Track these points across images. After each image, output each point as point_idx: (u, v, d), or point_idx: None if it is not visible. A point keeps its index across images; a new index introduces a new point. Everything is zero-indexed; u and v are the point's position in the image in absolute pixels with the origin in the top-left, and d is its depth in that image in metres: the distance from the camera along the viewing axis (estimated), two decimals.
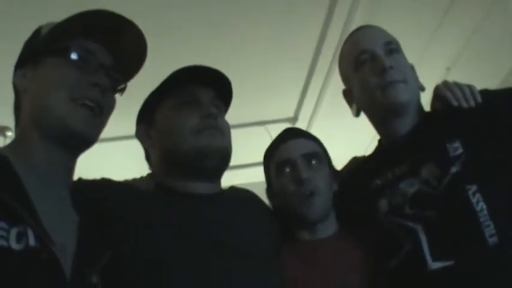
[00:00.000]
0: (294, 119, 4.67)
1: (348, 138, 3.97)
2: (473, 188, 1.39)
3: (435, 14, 3.64)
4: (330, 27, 3.63)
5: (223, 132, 1.51)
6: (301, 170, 1.59)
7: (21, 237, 0.99)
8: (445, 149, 1.48)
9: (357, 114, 1.73)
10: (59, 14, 1.27)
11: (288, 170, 1.62)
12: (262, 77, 4.05)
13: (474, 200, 1.38)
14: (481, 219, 1.36)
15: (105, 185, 1.46)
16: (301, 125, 4.46)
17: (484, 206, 1.37)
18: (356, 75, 1.66)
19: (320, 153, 1.68)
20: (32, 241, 0.99)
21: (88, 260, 1.13)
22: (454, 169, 1.44)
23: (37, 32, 1.30)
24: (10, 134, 4.03)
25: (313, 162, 1.63)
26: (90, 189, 1.37)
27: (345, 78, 1.76)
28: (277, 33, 3.67)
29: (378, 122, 1.69)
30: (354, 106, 1.72)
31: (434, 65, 3.81)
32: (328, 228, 1.61)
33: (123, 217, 1.35)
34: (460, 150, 1.46)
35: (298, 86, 4.30)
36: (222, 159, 1.51)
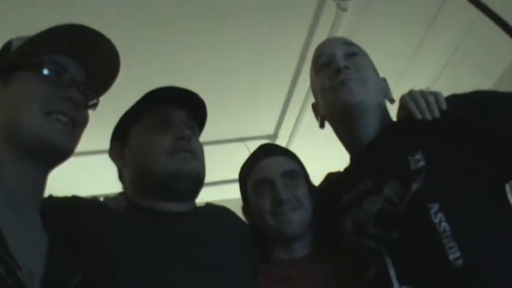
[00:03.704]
0: (274, 136, 4.67)
1: (328, 155, 3.97)
2: (435, 207, 1.33)
3: (417, 32, 3.67)
4: (311, 45, 3.63)
5: (196, 156, 1.50)
6: (280, 190, 1.57)
7: None
8: (407, 162, 1.42)
9: (321, 126, 1.70)
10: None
11: (265, 189, 1.60)
12: (242, 94, 4.05)
13: (436, 220, 1.32)
14: (444, 241, 1.29)
15: (76, 203, 1.43)
16: (281, 142, 4.45)
17: (447, 227, 1.30)
18: (317, 81, 1.65)
19: (298, 170, 1.66)
20: None
21: (56, 285, 1.10)
22: (415, 186, 1.38)
23: (7, 47, 1.27)
24: None
25: (292, 180, 1.62)
26: (60, 208, 1.33)
27: (313, 91, 1.74)
28: (258, 50, 3.68)
29: (341, 129, 1.64)
30: (319, 117, 1.70)
31: (416, 83, 3.81)
32: (305, 247, 1.59)
33: (95, 236, 1.32)
34: (422, 163, 1.40)
35: (278, 103, 4.30)
36: (194, 183, 1.49)
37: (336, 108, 1.57)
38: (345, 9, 3.32)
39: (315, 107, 1.74)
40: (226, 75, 3.84)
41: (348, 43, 1.66)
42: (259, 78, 3.93)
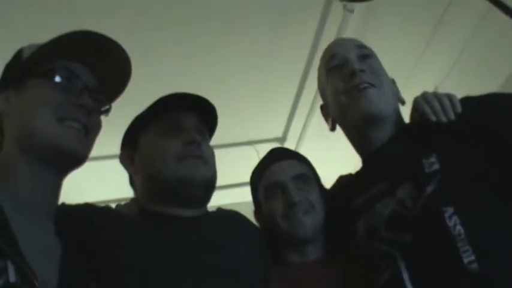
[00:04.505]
0: (283, 139, 4.66)
1: (337, 158, 3.97)
2: (450, 210, 1.32)
3: (424, 33, 3.67)
4: (319, 47, 3.63)
5: (207, 161, 1.50)
6: (292, 193, 1.57)
7: (0, 272, 0.94)
8: (421, 165, 1.41)
9: (333, 128, 1.68)
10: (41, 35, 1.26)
11: (277, 193, 1.60)
12: (250, 97, 4.05)
13: (451, 224, 1.30)
14: (459, 244, 1.28)
15: (88, 210, 1.43)
16: (289, 145, 4.45)
17: (462, 231, 1.29)
18: (328, 83, 1.62)
19: (309, 174, 1.66)
20: (12, 277, 0.94)
21: None
22: (429, 189, 1.36)
23: (18, 55, 1.28)
24: None
25: (303, 183, 1.62)
26: (74, 215, 1.34)
27: (321, 91, 1.71)
28: (266, 52, 3.68)
29: (353, 133, 1.63)
30: (330, 120, 1.68)
31: (423, 84, 3.81)
32: (317, 250, 1.59)
33: (107, 243, 1.32)
34: (436, 166, 1.38)
35: (286, 106, 4.30)
36: (206, 188, 1.50)
37: (351, 113, 1.55)
38: (351, 11, 3.32)
39: (324, 109, 1.72)
40: (233, 78, 3.84)
41: (359, 46, 1.64)
42: (266, 81, 3.93)
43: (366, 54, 1.61)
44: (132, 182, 1.59)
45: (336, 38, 1.69)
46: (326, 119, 1.71)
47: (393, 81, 1.66)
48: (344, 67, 1.58)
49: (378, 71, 1.59)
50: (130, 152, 1.56)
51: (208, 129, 1.61)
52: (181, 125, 1.51)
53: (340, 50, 1.63)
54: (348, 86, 1.54)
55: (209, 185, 1.51)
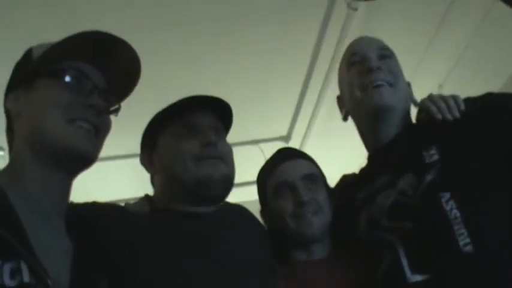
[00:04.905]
0: (287, 137, 4.67)
1: (341, 157, 3.97)
2: (447, 195, 1.37)
3: (427, 31, 3.67)
4: (323, 46, 3.64)
5: (225, 159, 1.52)
6: (302, 192, 1.59)
7: (14, 273, 0.94)
8: (422, 157, 1.46)
9: (345, 119, 1.75)
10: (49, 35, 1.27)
11: (286, 192, 1.61)
12: (254, 96, 4.05)
13: (448, 208, 1.36)
14: (455, 228, 1.33)
15: (97, 208, 1.44)
16: (294, 143, 4.46)
17: (458, 214, 1.34)
18: (346, 77, 1.68)
19: (317, 174, 1.68)
20: (26, 277, 0.95)
21: None
22: (429, 177, 1.42)
23: (28, 55, 1.28)
24: (2, 154, 3.99)
25: (312, 183, 1.63)
26: (83, 214, 1.34)
27: (340, 84, 1.78)
28: (270, 51, 3.69)
29: (363, 127, 1.68)
30: (344, 110, 1.74)
31: (426, 82, 3.82)
32: (323, 249, 1.61)
33: (117, 242, 1.33)
34: (436, 157, 1.44)
35: (291, 104, 4.30)
36: (225, 186, 1.51)
37: (363, 107, 1.61)
38: (355, 9, 3.33)
39: (340, 100, 1.77)
40: (237, 77, 3.85)
41: (382, 47, 1.69)
42: (271, 79, 3.94)
43: (386, 55, 1.67)
44: (153, 182, 1.60)
45: (361, 36, 1.76)
46: (340, 109, 1.77)
47: (408, 84, 1.71)
48: (363, 63, 1.63)
49: (395, 71, 1.64)
50: (150, 153, 1.57)
51: (224, 125, 1.62)
52: (197, 125, 1.52)
53: (361, 48, 1.69)
54: (364, 82, 1.60)
55: (228, 182, 1.52)
